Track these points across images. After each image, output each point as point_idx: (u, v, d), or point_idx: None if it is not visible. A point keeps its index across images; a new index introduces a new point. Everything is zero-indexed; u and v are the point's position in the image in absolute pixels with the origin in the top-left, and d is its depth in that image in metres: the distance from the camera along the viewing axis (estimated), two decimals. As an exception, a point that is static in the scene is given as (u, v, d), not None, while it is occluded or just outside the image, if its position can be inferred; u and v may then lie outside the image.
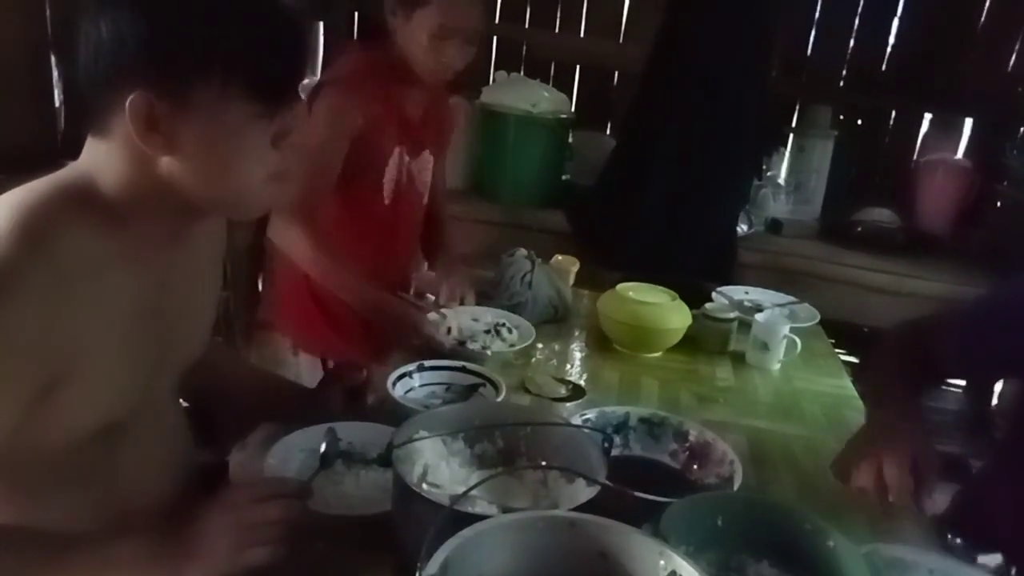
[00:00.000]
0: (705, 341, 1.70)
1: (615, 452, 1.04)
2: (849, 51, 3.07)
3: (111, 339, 0.83)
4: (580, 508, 0.78)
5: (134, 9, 0.78)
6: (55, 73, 2.15)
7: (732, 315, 1.72)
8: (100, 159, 0.84)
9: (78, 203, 0.82)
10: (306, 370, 1.71)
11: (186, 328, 0.98)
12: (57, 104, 2.17)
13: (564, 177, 2.88)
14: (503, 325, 1.58)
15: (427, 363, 1.36)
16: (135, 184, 0.83)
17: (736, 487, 1.04)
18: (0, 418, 0.76)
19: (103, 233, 0.82)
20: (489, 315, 1.61)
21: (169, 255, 0.91)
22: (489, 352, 1.49)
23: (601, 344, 1.68)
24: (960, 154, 3.01)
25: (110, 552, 0.80)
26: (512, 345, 1.53)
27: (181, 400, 1.12)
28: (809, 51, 3.08)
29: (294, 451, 1.07)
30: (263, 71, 0.82)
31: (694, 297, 1.74)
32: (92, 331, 0.80)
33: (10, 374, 0.75)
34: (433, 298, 1.63)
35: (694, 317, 1.68)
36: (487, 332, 1.55)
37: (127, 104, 0.77)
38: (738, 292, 2.00)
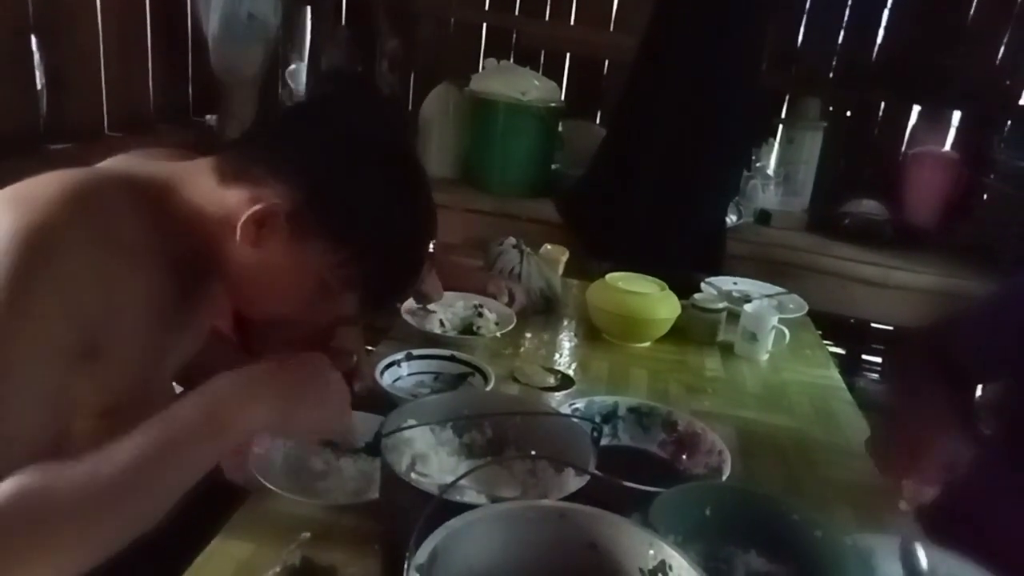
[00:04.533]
0: (694, 331, 1.70)
1: (604, 442, 1.04)
2: (839, 44, 3.07)
3: (133, 323, 0.82)
4: (569, 498, 0.78)
5: (337, 156, 0.83)
6: (37, 56, 2.12)
7: (721, 305, 1.72)
8: (197, 185, 0.85)
9: (143, 195, 0.82)
10: None
11: (191, 337, 0.98)
12: (39, 87, 2.14)
13: (553, 166, 2.88)
14: (480, 306, 1.59)
15: (415, 352, 1.35)
16: (203, 226, 0.84)
17: (724, 477, 1.04)
18: (50, 370, 0.73)
19: (152, 229, 0.82)
20: (461, 300, 1.61)
21: (200, 272, 0.90)
22: (494, 335, 1.51)
23: (590, 334, 1.67)
24: (948, 147, 3.02)
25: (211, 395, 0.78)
26: (497, 323, 1.54)
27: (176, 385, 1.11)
28: (799, 43, 3.08)
29: (280, 440, 1.06)
30: (384, 281, 0.88)
31: (683, 287, 1.74)
32: (122, 307, 0.79)
33: (60, 321, 0.73)
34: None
35: (683, 307, 1.68)
36: (479, 315, 1.55)
37: (261, 204, 0.80)
38: (727, 283, 2.01)
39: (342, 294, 0.86)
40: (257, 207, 0.80)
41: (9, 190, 0.77)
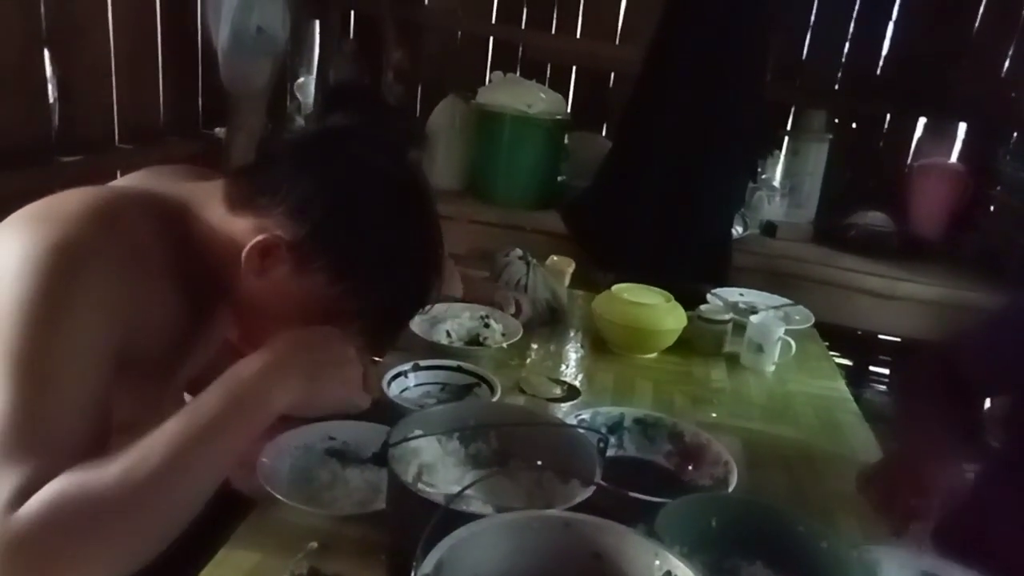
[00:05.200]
0: (700, 343, 1.70)
1: (609, 453, 1.04)
2: (844, 55, 3.08)
3: (156, 338, 0.84)
4: (575, 508, 0.78)
5: (338, 194, 0.83)
6: (49, 70, 2.15)
7: (727, 317, 1.72)
8: (208, 209, 0.87)
9: (163, 212, 0.84)
10: None
11: (205, 355, 1.00)
12: (51, 100, 2.16)
13: (560, 178, 2.89)
14: (487, 317, 1.59)
15: (422, 363, 1.36)
16: (213, 247, 0.85)
17: (730, 488, 1.04)
18: (90, 380, 0.74)
19: (172, 246, 0.84)
20: (468, 311, 1.61)
21: (215, 293, 0.91)
22: (500, 346, 1.52)
23: (596, 345, 1.68)
24: (953, 159, 3.02)
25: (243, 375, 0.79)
26: (504, 335, 1.55)
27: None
28: (804, 55, 3.09)
29: (287, 449, 1.06)
30: (384, 316, 0.89)
31: (689, 299, 1.75)
32: (146, 321, 0.81)
33: (97, 329, 0.74)
34: None
35: (689, 319, 1.68)
36: (486, 326, 1.56)
37: (262, 236, 0.81)
38: (733, 294, 2.01)
39: (347, 325, 0.87)
40: (259, 238, 0.81)
41: (32, 207, 0.78)
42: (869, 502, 1.12)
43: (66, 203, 0.78)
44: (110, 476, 0.68)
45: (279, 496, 0.95)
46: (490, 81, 2.87)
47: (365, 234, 0.84)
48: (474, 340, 1.53)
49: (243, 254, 0.82)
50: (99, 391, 0.75)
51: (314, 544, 0.90)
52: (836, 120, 2.99)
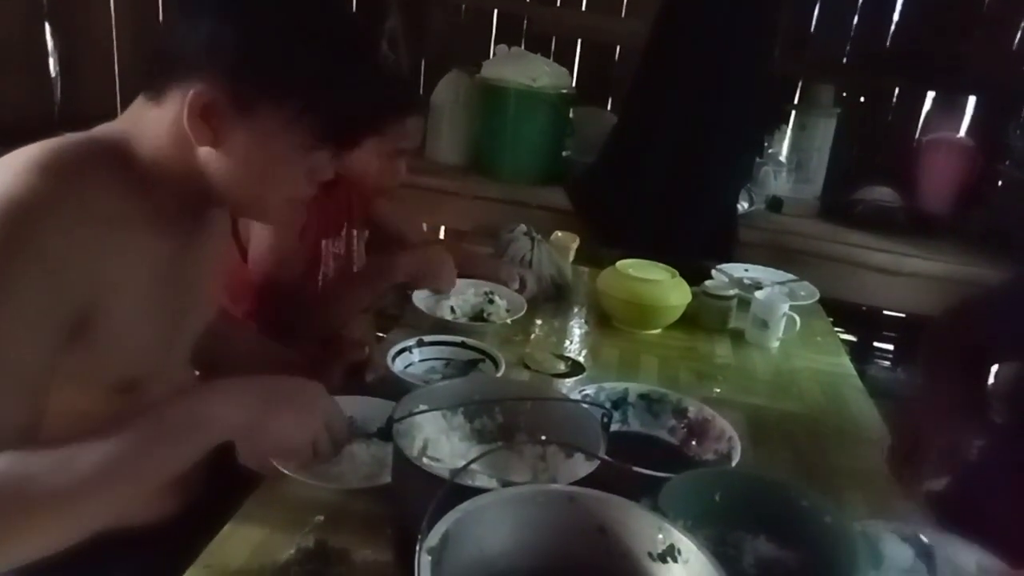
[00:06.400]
0: (705, 319, 1.70)
1: (614, 428, 1.05)
2: (852, 29, 3.04)
3: (133, 289, 0.82)
4: (579, 483, 0.78)
5: (238, 13, 0.79)
6: (50, 44, 2.13)
7: (732, 293, 1.72)
8: (144, 122, 0.83)
9: (108, 156, 0.81)
10: None
11: (200, 296, 0.98)
12: (53, 75, 2.15)
13: (564, 153, 2.87)
14: (491, 293, 1.59)
15: (427, 338, 1.36)
16: (169, 157, 0.83)
17: (734, 463, 1.04)
18: (32, 350, 0.73)
19: (129, 190, 0.82)
20: (472, 287, 1.61)
21: (188, 226, 0.91)
22: (504, 321, 1.52)
23: (601, 321, 1.68)
24: (962, 133, 3.00)
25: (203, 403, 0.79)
26: (508, 310, 1.55)
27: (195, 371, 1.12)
28: (812, 28, 3.06)
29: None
30: (339, 116, 0.84)
31: (694, 274, 1.74)
32: (116, 276, 0.79)
33: (45, 298, 0.73)
34: None
35: (694, 295, 1.68)
36: (490, 302, 1.56)
37: (191, 92, 0.78)
38: (738, 270, 2.00)
39: (318, 145, 0.84)
40: (189, 96, 0.78)
41: None
42: (892, 472, 1.13)
43: (9, 162, 0.76)
44: (47, 472, 0.69)
45: (286, 471, 0.96)
46: (494, 55, 2.84)
47: (281, 37, 0.80)
48: (478, 316, 1.53)
49: (186, 125, 0.79)
50: (40, 361, 0.74)
51: (320, 518, 0.91)
52: (844, 94, 2.96)
